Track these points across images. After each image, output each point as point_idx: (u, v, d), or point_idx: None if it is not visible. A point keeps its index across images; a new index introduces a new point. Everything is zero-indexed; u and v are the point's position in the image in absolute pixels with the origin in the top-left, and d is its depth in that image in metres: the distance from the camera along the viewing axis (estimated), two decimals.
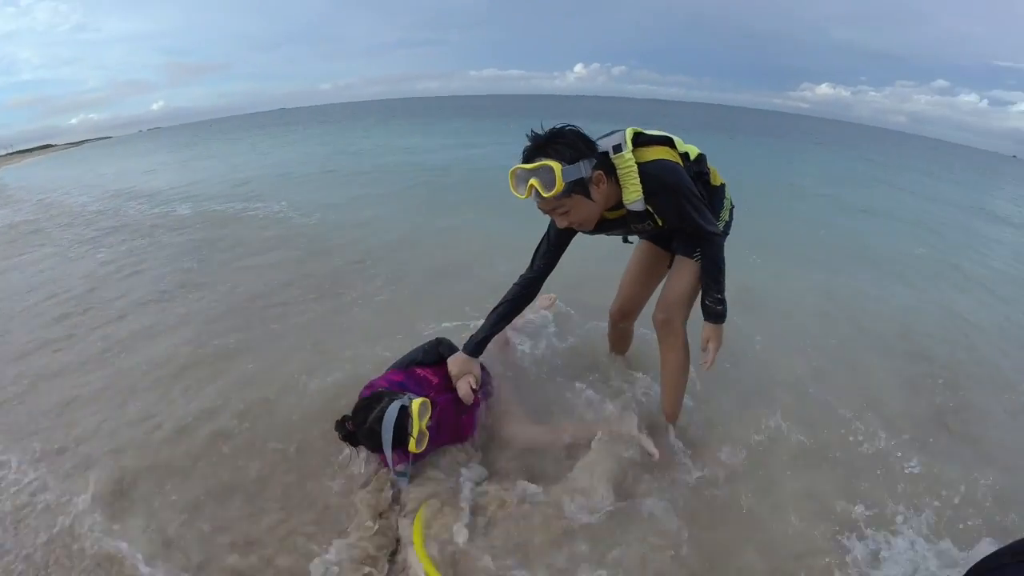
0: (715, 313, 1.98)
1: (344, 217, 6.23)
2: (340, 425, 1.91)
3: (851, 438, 2.34)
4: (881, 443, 2.29)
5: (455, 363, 2.05)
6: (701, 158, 1.97)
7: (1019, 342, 3.60)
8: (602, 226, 1.93)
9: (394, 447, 1.77)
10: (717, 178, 2.05)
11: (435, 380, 2.04)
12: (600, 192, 1.73)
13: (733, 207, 2.11)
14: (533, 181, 1.63)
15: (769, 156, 16.94)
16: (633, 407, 2.24)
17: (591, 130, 1.79)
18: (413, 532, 1.61)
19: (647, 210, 1.81)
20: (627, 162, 1.74)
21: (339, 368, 2.64)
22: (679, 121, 33.21)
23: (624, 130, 1.80)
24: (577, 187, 1.67)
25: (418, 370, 2.10)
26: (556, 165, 1.61)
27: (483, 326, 2.06)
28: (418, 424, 1.75)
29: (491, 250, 4.46)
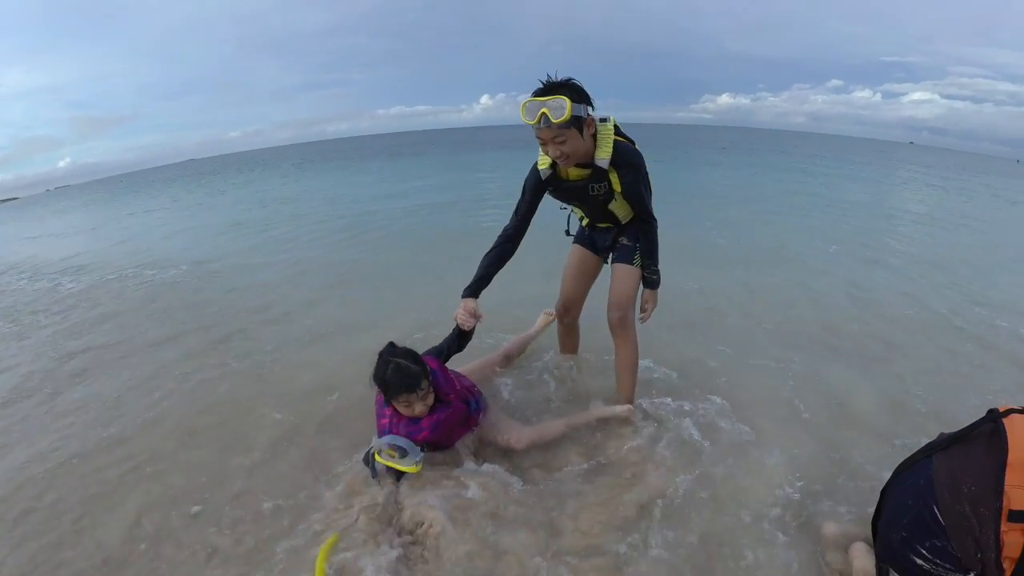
0: (652, 281, 2.53)
1: (245, 279, 5.72)
2: (391, 344, 2.19)
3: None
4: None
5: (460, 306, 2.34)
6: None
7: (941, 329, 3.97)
8: (567, 190, 2.34)
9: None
10: None
11: (458, 385, 2.29)
12: (588, 134, 2.13)
13: None
14: (545, 109, 1.99)
15: (676, 169, 17.43)
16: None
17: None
18: (317, 561, 1.71)
19: (608, 171, 2.23)
20: (608, 129, 2.21)
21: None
22: None
23: (610, 116, 2.28)
24: (576, 123, 2.05)
25: (449, 370, 2.35)
26: (567, 100, 1.99)
27: (477, 271, 2.35)
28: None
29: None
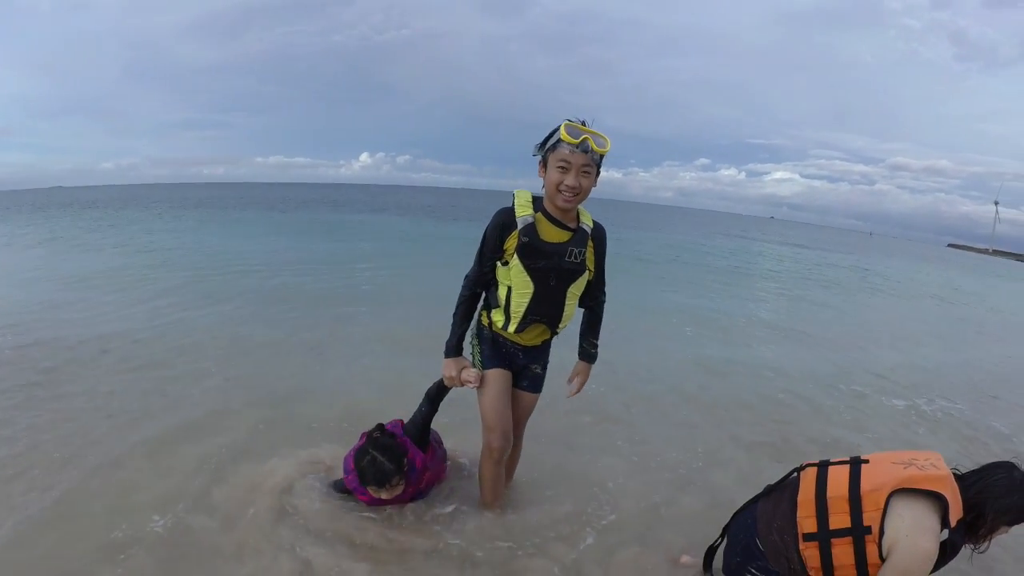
0: (591, 355, 2.58)
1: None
2: (379, 428, 2.45)
3: None
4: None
5: (449, 366, 2.43)
6: None
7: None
8: (539, 251, 2.20)
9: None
10: None
11: (422, 484, 2.56)
12: (594, 184, 2.20)
13: None
14: (588, 137, 2.08)
15: None
16: None
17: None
18: None
19: (589, 237, 2.30)
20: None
21: None
22: (464, 211, 35.68)
23: None
24: (600, 164, 2.20)
25: (435, 450, 2.68)
26: (608, 139, 2.14)
27: (452, 329, 2.41)
28: None
29: None
